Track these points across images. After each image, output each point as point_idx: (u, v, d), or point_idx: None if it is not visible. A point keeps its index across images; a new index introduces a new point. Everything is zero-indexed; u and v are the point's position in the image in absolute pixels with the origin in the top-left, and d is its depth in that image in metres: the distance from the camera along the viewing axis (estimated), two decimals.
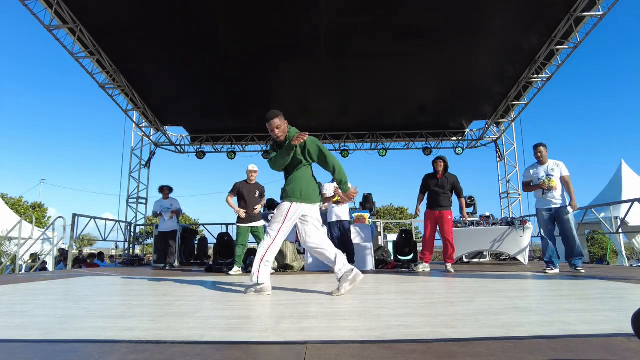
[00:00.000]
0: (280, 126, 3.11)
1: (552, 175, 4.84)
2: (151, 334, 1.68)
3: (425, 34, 7.31)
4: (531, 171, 5.00)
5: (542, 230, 4.90)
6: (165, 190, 7.17)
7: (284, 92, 9.33)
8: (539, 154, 4.93)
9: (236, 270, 5.36)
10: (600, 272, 4.82)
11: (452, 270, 5.08)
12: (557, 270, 4.70)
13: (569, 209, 4.82)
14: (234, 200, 5.57)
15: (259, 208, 5.54)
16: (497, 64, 8.45)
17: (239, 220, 5.45)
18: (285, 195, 3.13)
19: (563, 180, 4.85)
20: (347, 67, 8.31)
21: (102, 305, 2.60)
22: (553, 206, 4.83)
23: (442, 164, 5.32)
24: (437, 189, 5.25)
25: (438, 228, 5.27)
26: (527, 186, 5.05)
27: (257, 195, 5.55)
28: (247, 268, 6.22)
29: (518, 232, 6.27)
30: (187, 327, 1.83)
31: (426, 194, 5.39)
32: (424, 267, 5.25)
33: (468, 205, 8.53)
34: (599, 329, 1.68)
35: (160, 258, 7.19)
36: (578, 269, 4.69)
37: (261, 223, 5.59)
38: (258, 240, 5.61)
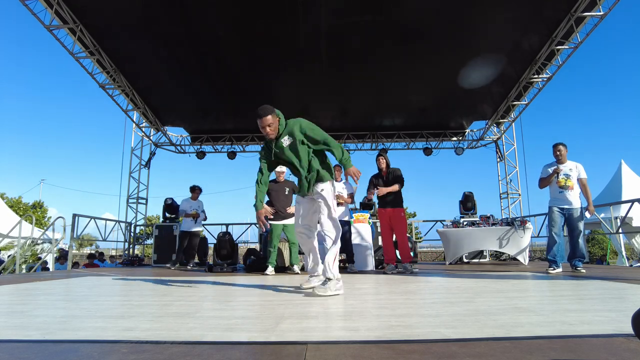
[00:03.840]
0: (272, 124, 3.01)
1: (570, 176, 4.81)
2: (151, 334, 1.68)
3: (425, 34, 7.31)
4: (549, 169, 4.96)
5: (552, 228, 4.85)
6: (197, 191, 7.37)
7: (284, 92, 9.32)
8: (558, 153, 4.89)
9: (271, 270, 5.24)
10: (600, 272, 4.82)
11: (412, 269, 4.97)
12: (559, 270, 4.69)
13: (587, 213, 4.79)
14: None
15: (292, 208, 5.43)
16: (497, 64, 8.44)
17: (271, 218, 5.45)
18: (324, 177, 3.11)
19: (580, 182, 4.81)
20: (348, 67, 8.29)
21: (102, 305, 2.60)
22: (566, 206, 4.80)
23: (384, 160, 5.18)
24: (384, 186, 5.12)
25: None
26: (543, 181, 4.99)
27: (286, 193, 5.49)
28: (247, 268, 6.22)
29: (518, 232, 6.27)
30: (187, 327, 1.83)
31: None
32: (391, 269, 5.10)
33: (467, 208, 8.52)
34: (599, 329, 1.68)
35: (177, 257, 7.30)
36: (579, 269, 4.69)
37: (293, 221, 5.54)
38: (289, 238, 5.52)
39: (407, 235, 5.39)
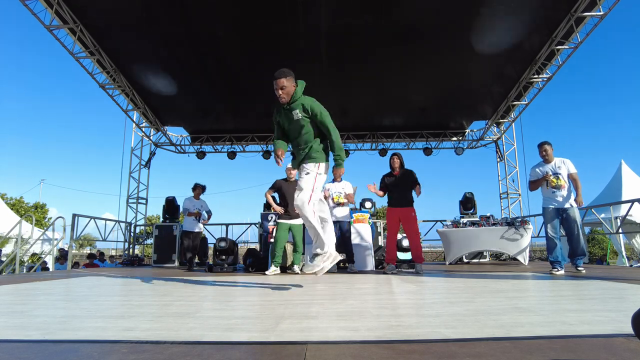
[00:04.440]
0: (285, 87, 3.04)
1: (560, 174, 4.73)
2: (151, 334, 1.68)
3: (425, 34, 7.31)
4: (537, 170, 4.90)
5: (548, 229, 4.78)
6: (198, 189, 7.21)
7: None
8: (544, 153, 4.82)
9: (273, 270, 5.20)
10: (600, 272, 4.81)
11: (423, 271, 4.99)
12: (562, 272, 4.63)
13: (576, 210, 4.69)
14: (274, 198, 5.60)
15: None
16: (497, 64, 8.44)
17: (278, 216, 5.46)
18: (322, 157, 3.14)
19: (571, 177, 4.72)
20: (348, 67, 8.30)
21: (102, 305, 2.60)
22: (561, 206, 4.71)
23: (398, 160, 5.18)
24: (396, 186, 5.11)
25: (402, 227, 5.14)
26: (533, 184, 4.92)
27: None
28: (247, 268, 6.22)
29: (518, 232, 6.27)
30: (187, 327, 1.83)
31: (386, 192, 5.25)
32: (391, 269, 5.13)
33: (467, 209, 8.52)
34: (599, 329, 1.68)
35: (187, 257, 7.24)
36: (579, 268, 4.64)
37: (300, 221, 5.51)
38: (295, 239, 5.53)
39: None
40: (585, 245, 4.75)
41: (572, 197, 4.72)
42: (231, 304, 2.62)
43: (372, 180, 5.48)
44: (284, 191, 5.49)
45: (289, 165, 5.58)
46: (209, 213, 7.38)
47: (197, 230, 7.19)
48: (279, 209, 5.41)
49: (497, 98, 9.84)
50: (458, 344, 1.46)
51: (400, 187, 5.11)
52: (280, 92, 3.04)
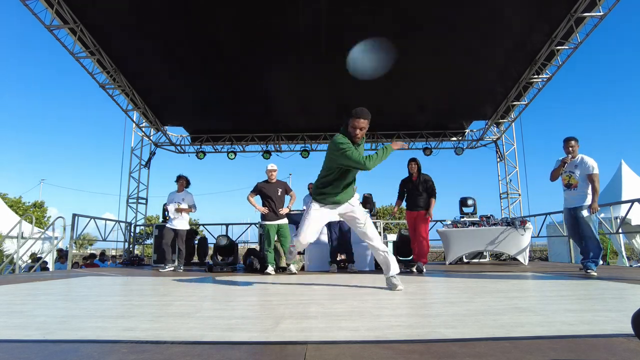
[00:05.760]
0: (364, 128, 3.13)
1: (574, 173, 4.53)
2: (151, 334, 1.68)
3: (425, 33, 7.31)
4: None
5: (568, 231, 4.74)
6: (182, 180, 6.36)
7: (284, 92, 9.32)
8: (571, 149, 4.59)
9: (271, 269, 5.32)
10: (601, 272, 4.81)
11: (424, 270, 5.08)
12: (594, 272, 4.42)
13: (584, 212, 4.44)
14: (256, 199, 5.63)
15: (285, 210, 5.56)
16: (497, 64, 8.45)
17: (264, 218, 5.49)
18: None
19: (589, 178, 4.47)
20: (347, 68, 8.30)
21: (102, 305, 2.61)
22: (571, 206, 4.54)
23: (416, 166, 5.39)
24: (414, 190, 5.34)
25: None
26: (552, 173, 4.73)
27: (279, 194, 5.56)
28: (246, 268, 6.22)
29: (518, 232, 6.27)
30: (187, 327, 1.83)
31: (404, 197, 5.51)
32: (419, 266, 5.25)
33: (467, 206, 8.54)
34: (599, 329, 1.68)
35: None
36: (588, 272, 4.35)
37: (286, 220, 5.61)
38: (283, 238, 5.57)
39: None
40: (599, 247, 4.45)
41: (586, 199, 4.48)
42: (231, 304, 2.62)
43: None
44: (265, 193, 5.55)
45: (270, 167, 5.64)
46: (190, 208, 6.30)
47: (177, 227, 6.23)
48: (264, 209, 5.45)
49: (497, 98, 9.83)
50: (458, 344, 1.46)
51: (418, 191, 5.32)
52: (358, 131, 3.10)
